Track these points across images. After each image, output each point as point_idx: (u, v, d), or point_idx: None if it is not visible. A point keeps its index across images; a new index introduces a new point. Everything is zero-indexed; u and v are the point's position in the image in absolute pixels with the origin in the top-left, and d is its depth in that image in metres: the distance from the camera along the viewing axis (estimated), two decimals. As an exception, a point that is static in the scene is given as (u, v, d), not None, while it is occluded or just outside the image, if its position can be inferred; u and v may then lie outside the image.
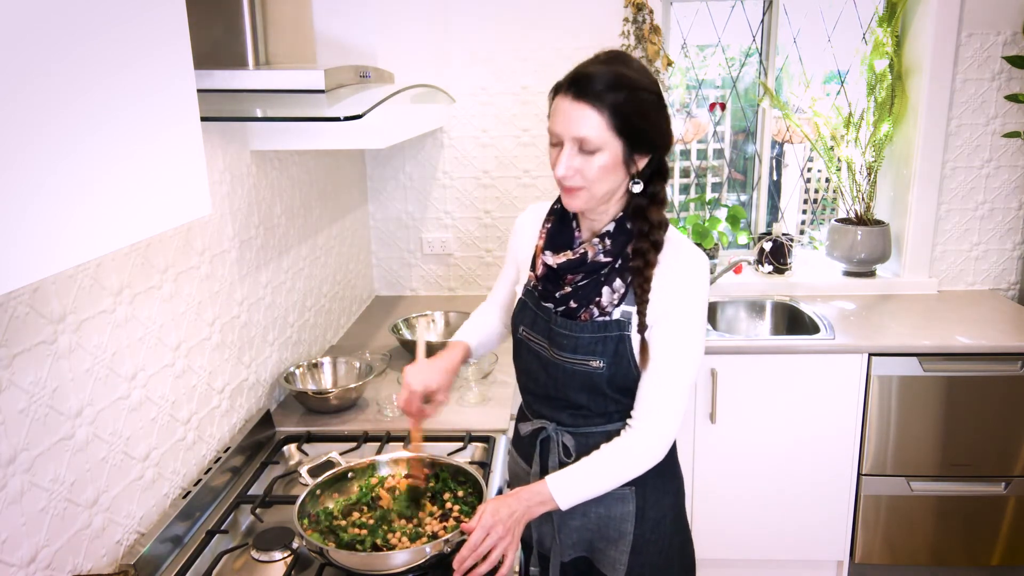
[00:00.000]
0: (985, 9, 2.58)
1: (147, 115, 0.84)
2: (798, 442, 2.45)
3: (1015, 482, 2.43)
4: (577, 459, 1.33)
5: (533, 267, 1.39)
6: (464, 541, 1.20)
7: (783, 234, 2.91)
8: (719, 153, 3.09)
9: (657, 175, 1.28)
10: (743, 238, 3.05)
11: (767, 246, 2.87)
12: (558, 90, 1.22)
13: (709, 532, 2.56)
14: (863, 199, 2.83)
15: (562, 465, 1.37)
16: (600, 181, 1.22)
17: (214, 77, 1.20)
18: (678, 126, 3.03)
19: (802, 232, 3.17)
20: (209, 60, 1.33)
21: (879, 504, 2.48)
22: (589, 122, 1.18)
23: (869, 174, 2.80)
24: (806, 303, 2.72)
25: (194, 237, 1.53)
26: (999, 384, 2.35)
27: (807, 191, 3.16)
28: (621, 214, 1.29)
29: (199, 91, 0.96)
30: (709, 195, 3.11)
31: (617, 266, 1.28)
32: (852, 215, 2.87)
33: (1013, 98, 2.63)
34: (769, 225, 3.10)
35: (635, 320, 1.28)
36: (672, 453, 1.39)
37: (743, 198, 3.14)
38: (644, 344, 1.28)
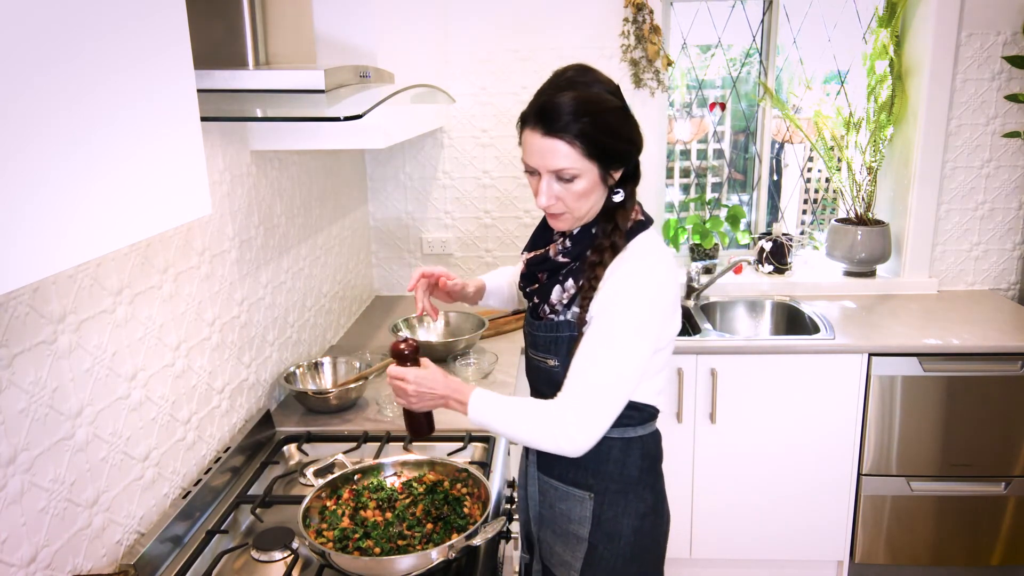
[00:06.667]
0: (985, 9, 2.58)
1: (147, 115, 0.84)
2: (798, 442, 2.45)
3: (1015, 482, 2.43)
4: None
5: None
6: (468, 546, 1.21)
7: (783, 234, 2.91)
8: (719, 153, 3.09)
9: (628, 178, 1.31)
10: (743, 238, 3.05)
11: (767, 246, 2.87)
12: (525, 122, 1.25)
13: (709, 532, 2.56)
14: (863, 199, 2.83)
15: (540, 456, 1.42)
16: (581, 204, 1.26)
17: (214, 77, 1.20)
18: (679, 126, 3.04)
19: (802, 232, 3.17)
20: (209, 60, 1.32)
21: (879, 504, 2.48)
22: (562, 154, 1.21)
23: (869, 174, 2.80)
24: (806, 303, 2.72)
25: (194, 237, 1.53)
26: (999, 384, 2.35)
27: (807, 191, 3.16)
28: (592, 218, 1.31)
29: (199, 91, 0.96)
30: (709, 195, 3.11)
31: (574, 268, 1.32)
32: (852, 215, 2.87)
33: (1013, 98, 2.63)
34: (769, 225, 3.10)
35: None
36: (646, 481, 1.39)
37: (743, 198, 3.14)
38: (581, 336, 1.28)
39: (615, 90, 1.26)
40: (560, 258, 1.33)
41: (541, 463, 1.43)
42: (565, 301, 1.31)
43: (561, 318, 1.32)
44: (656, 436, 1.42)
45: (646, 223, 1.33)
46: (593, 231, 1.31)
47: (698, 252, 2.95)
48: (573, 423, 1.23)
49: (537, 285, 1.38)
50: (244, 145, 1.76)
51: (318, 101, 1.24)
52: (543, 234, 1.41)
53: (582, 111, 1.19)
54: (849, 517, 2.50)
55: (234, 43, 1.33)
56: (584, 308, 1.27)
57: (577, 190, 1.24)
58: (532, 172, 1.27)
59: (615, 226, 1.29)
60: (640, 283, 1.25)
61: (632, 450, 1.36)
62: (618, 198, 1.29)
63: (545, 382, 1.38)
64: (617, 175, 1.28)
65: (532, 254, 1.39)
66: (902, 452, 2.42)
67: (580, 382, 1.24)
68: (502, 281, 1.64)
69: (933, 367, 2.34)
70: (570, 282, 1.31)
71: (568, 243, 1.33)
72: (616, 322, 1.23)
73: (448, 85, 2.70)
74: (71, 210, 0.72)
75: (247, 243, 1.78)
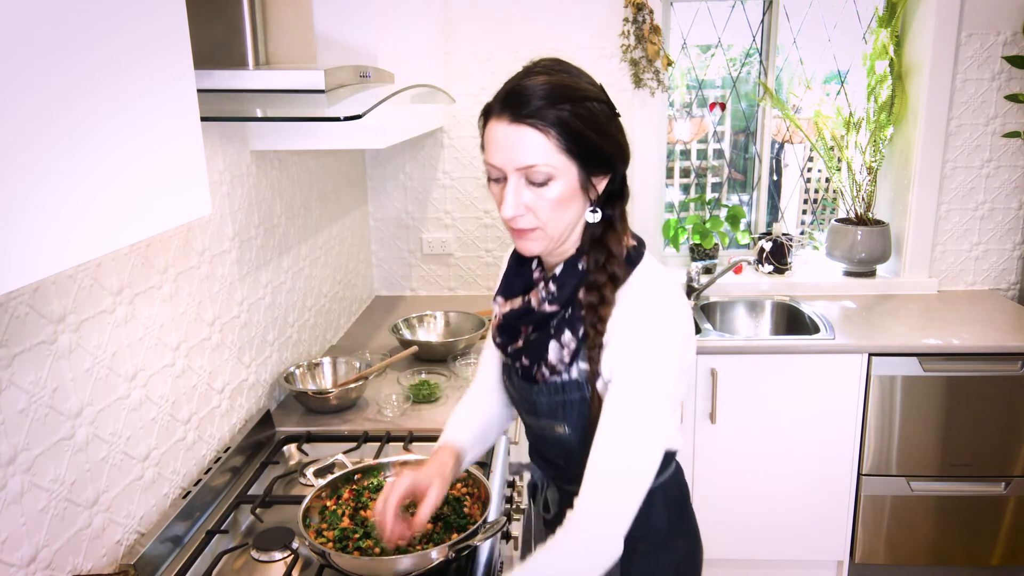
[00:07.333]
0: (985, 9, 2.58)
1: (147, 115, 0.84)
2: (798, 442, 2.45)
3: (1015, 482, 2.43)
4: (557, 518, 1.18)
5: None
6: (468, 546, 1.20)
7: (783, 234, 2.91)
8: (719, 153, 3.09)
9: (615, 196, 1.09)
10: (743, 238, 3.05)
11: (767, 246, 2.87)
12: (489, 113, 1.02)
13: (709, 532, 2.54)
14: (863, 199, 2.83)
15: (545, 523, 1.28)
16: (556, 217, 1.02)
17: (214, 77, 1.20)
18: (679, 126, 3.04)
19: (802, 232, 3.17)
20: (209, 60, 1.32)
21: (879, 504, 2.48)
22: (534, 147, 0.98)
23: (869, 174, 2.80)
24: (806, 303, 2.72)
25: (194, 237, 1.53)
26: (999, 384, 2.35)
27: (807, 191, 3.16)
28: (574, 252, 1.09)
29: (199, 91, 0.96)
30: (709, 195, 3.11)
31: (567, 316, 1.07)
32: (852, 215, 2.87)
33: (1013, 98, 2.63)
34: (769, 225, 3.10)
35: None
36: (675, 529, 1.24)
37: (743, 198, 3.14)
38: (595, 395, 1.06)
39: (600, 87, 1.06)
40: (547, 307, 1.08)
41: (550, 522, 1.26)
42: (567, 359, 1.07)
43: (566, 377, 1.09)
44: (678, 477, 1.26)
45: (641, 248, 1.11)
46: (580, 266, 1.07)
47: (698, 252, 2.96)
48: (607, 541, 1.00)
49: (521, 343, 1.13)
50: (244, 145, 1.76)
51: (318, 101, 1.24)
52: (519, 273, 1.15)
53: (559, 96, 0.97)
54: (849, 517, 2.50)
55: (234, 43, 1.33)
56: (595, 361, 1.04)
57: (551, 197, 1.00)
58: (496, 178, 1.04)
59: (609, 254, 1.05)
60: (659, 334, 1.02)
61: (655, 502, 1.16)
62: (594, 218, 1.06)
63: (556, 452, 1.19)
64: (601, 185, 1.05)
65: (509, 305, 1.14)
66: (902, 452, 2.42)
67: (605, 486, 1.01)
68: (480, 423, 1.30)
69: (933, 367, 2.34)
70: (567, 335, 1.06)
71: (553, 287, 1.07)
72: (640, 393, 1.01)
73: (448, 85, 2.70)
74: (71, 210, 0.72)
75: (247, 243, 1.78)
